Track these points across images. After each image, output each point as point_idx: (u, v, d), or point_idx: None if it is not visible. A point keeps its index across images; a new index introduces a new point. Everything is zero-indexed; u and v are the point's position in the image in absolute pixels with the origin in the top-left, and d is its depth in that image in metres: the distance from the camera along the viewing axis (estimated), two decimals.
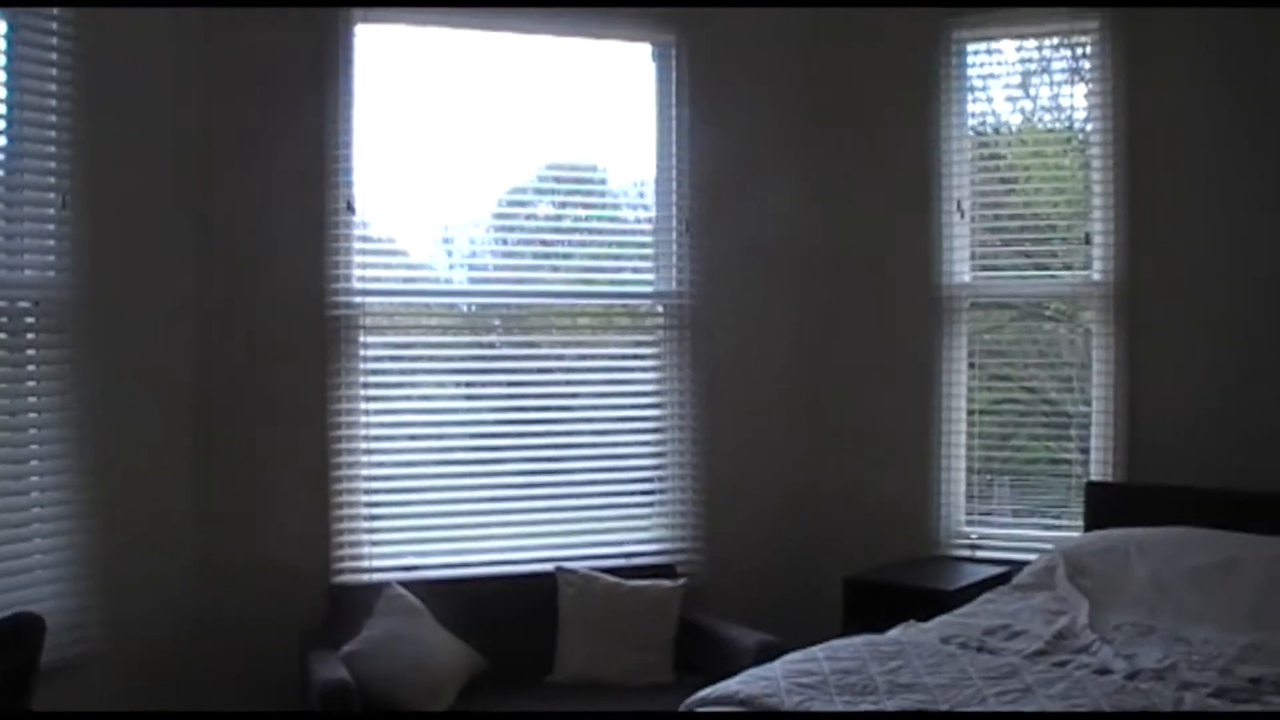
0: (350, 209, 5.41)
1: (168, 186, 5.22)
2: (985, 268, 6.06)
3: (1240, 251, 5.53)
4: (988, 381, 6.09)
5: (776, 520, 6.20)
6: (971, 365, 6.04)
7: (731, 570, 6.02)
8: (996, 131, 6.18)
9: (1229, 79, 5.52)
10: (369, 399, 5.53)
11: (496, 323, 5.97)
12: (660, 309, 6.02)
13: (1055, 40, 5.95)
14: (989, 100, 6.13)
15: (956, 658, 4.01)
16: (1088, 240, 5.76)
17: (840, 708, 3.53)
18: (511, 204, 5.95)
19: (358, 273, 5.47)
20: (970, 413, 6.04)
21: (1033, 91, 6.11)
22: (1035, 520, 5.93)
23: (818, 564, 6.04)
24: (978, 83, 6.07)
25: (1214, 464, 5.44)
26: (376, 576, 5.42)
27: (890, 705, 3.54)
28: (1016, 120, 6.19)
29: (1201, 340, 5.60)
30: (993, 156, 6.14)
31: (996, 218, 6.07)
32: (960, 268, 6.02)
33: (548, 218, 6.03)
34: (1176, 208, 5.63)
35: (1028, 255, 6.04)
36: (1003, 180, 6.13)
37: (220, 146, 5.32)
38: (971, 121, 6.08)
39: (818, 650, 4.11)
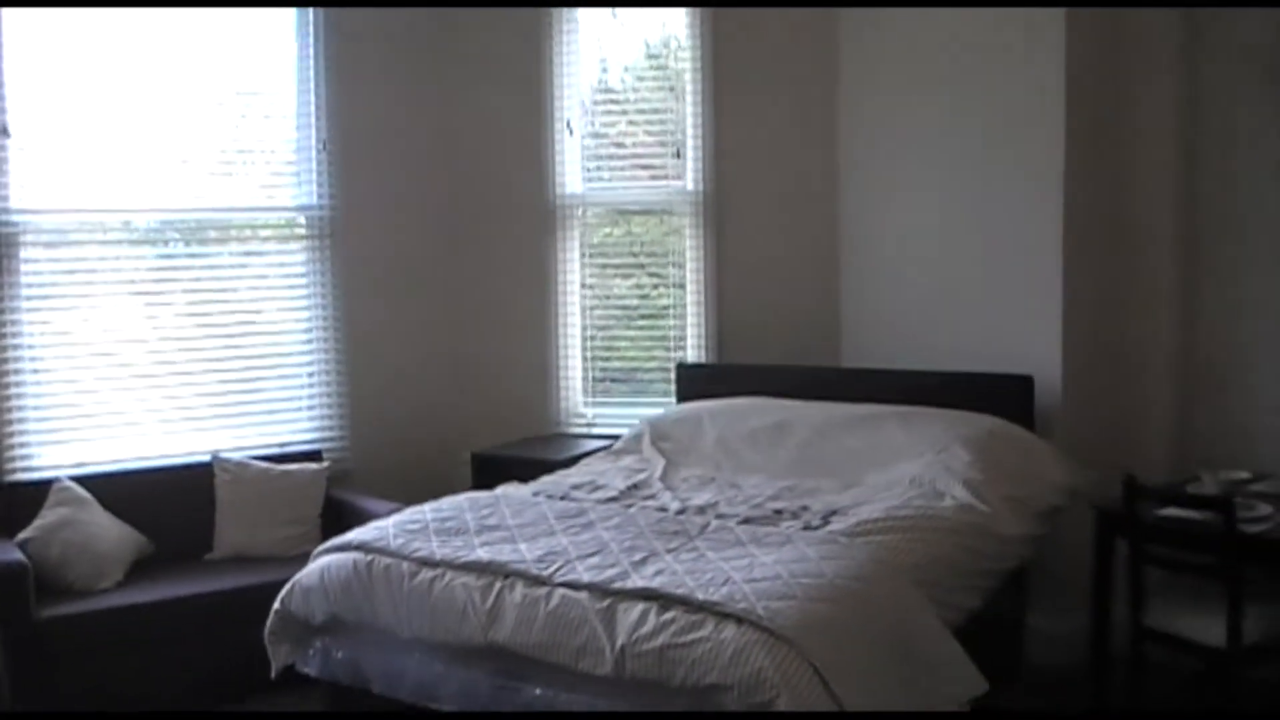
0: (5, 132, 5.69)
1: None
2: (595, 179, 6.83)
3: (797, 162, 6.46)
4: (601, 277, 6.86)
5: (413, 408, 6.88)
6: (588, 263, 6.85)
7: (374, 453, 6.69)
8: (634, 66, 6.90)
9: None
10: (34, 310, 5.86)
11: (175, 235, 6.30)
12: (303, 220, 6.55)
13: None
14: (602, 29, 6.81)
15: (540, 505, 4.80)
16: (678, 154, 6.58)
17: (435, 546, 4.28)
18: (174, 123, 6.23)
19: (16, 193, 5.75)
20: (586, 307, 6.84)
21: (641, 24, 6.79)
22: (643, 399, 6.76)
23: (451, 444, 6.78)
24: (587, 13, 6.75)
25: (783, 344, 6.41)
26: (47, 474, 5.79)
27: (478, 542, 4.30)
28: (628, 47, 6.86)
29: (770, 239, 6.53)
30: (607, 86, 6.88)
31: (599, 135, 6.84)
32: (572, 179, 6.78)
33: (211, 137, 6.35)
34: (754, 123, 6.50)
35: (638, 167, 6.81)
36: (613, 101, 6.87)
37: None
38: (586, 48, 6.78)
39: (427, 506, 4.85)
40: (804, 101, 6.46)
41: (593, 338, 6.86)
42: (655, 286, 6.80)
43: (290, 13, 6.46)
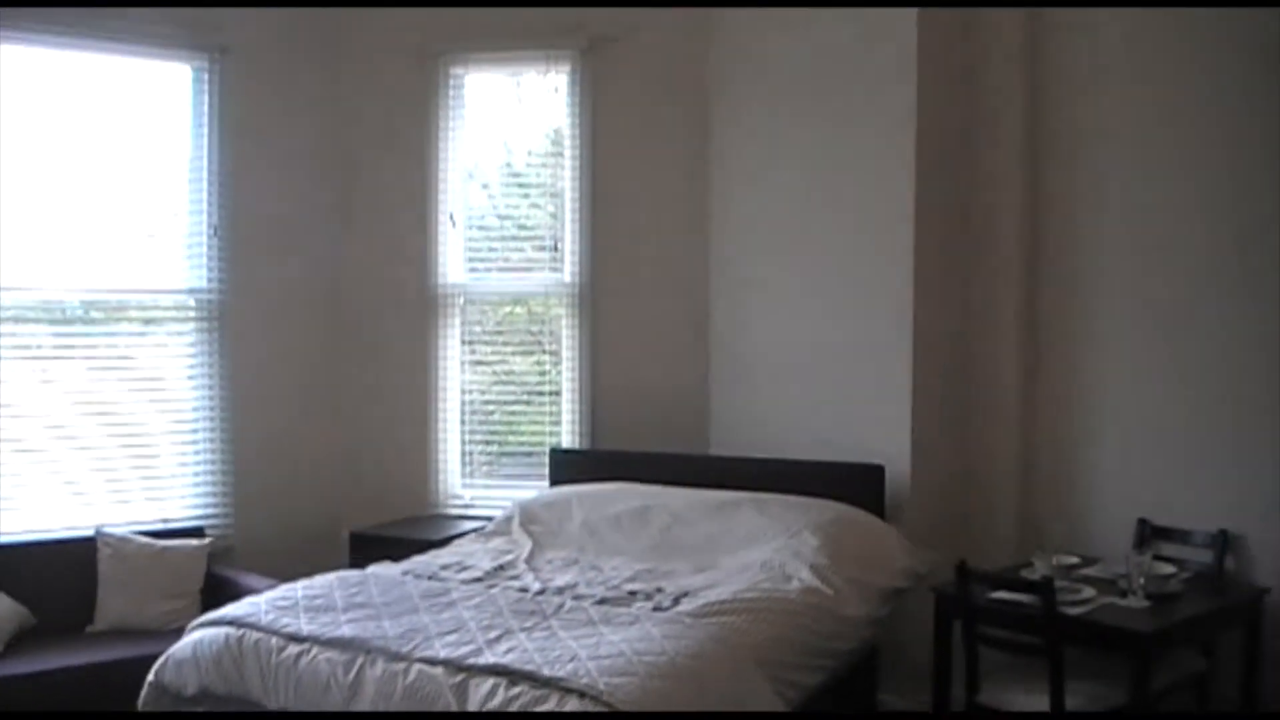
0: None
1: None
2: (476, 269, 7.12)
3: (670, 259, 6.82)
4: (481, 363, 7.13)
5: (296, 487, 7.07)
6: (468, 345, 7.11)
7: (256, 530, 6.86)
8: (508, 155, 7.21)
9: (677, 104, 6.82)
10: None
11: (66, 313, 6.46)
12: (193, 303, 6.76)
13: (538, 72, 7.02)
14: (485, 125, 7.14)
15: (407, 584, 5.03)
16: (555, 247, 6.89)
17: (304, 622, 4.50)
18: (68, 203, 6.42)
19: None
20: (465, 392, 7.09)
21: (523, 119, 7.13)
22: (520, 482, 6.99)
23: (331, 523, 6.97)
24: (472, 109, 7.08)
25: (655, 432, 6.72)
26: None
27: (344, 619, 4.53)
28: (509, 142, 7.20)
29: (643, 332, 6.88)
30: (493, 176, 7.19)
31: (486, 226, 7.13)
32: (454, 269, 7.06)
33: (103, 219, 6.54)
34: (630, 219, 6.87)
35: (513, 258, 7.12)
36: (494, 194, 7.18)
37: None
38: (468, 143, 7.10)
39: (299, 584, 5.07)
40: (677, 201, 6.84)
41: (474, 420, 7.12)
42: (537, 373, 7.10)
43: (185, 102, 6.72)
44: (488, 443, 7.15)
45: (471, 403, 7.13)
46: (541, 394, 7.05)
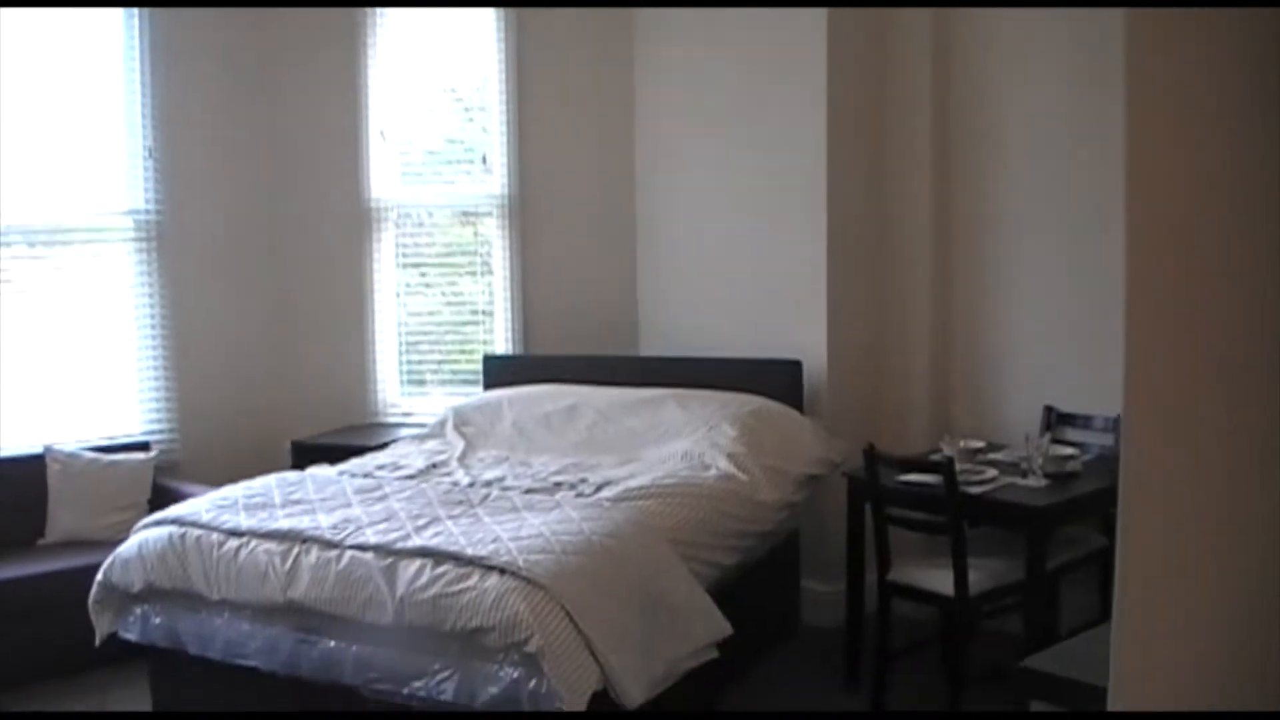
0: None
1: None
2: (409, 183, 7.30)
3: (598, 168, 7.05)
4: (418, 274, 7.35)
5: (238, 400, 7.27)
6: (408, 266, 7.32)
7: (200, 443, 7.06)
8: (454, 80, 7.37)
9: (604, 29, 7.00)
10: None
11: (5, 236, 6.54)
12: (131, 224, 6.91)
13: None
14: (411, 46, 7.27)
15: (342, 483, 5.28)
16: (484, 160, 7.08)
17: (243, 518, 4.76)
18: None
19: None
20: (400, 298, 7.32)
21: (453, 42, 7.29)
22: (457, 388, 7.23)
23: (273, 434, 7.15)
24: (399, 31, 7.22)
25: (586, 335, 6.96)
26: None
27: (281, 514, 4.78)
28: (437, 62, 7.34)
29: (573, 240, 7.11)
30: (425, 92, 7.35)
31: (417, 143, 7.33)
32: (385, 184, 7.24)
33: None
34: (558, 131, 7.07)
35: (444, 172, 7.33)
36: (424, 109, 7.35)
37: None
38: (397, 60, 7.24)
39: (240, 485, 5.32)
40: (603, 113, 7.05)
41: (411, 330, 7.34)
42: (474, 282, 7.32)
43: (117, 25, 6.81)
44: (427, 350, 7.37)
45: (411, 312, 7.33)
46: (475, 308, 7.27)
